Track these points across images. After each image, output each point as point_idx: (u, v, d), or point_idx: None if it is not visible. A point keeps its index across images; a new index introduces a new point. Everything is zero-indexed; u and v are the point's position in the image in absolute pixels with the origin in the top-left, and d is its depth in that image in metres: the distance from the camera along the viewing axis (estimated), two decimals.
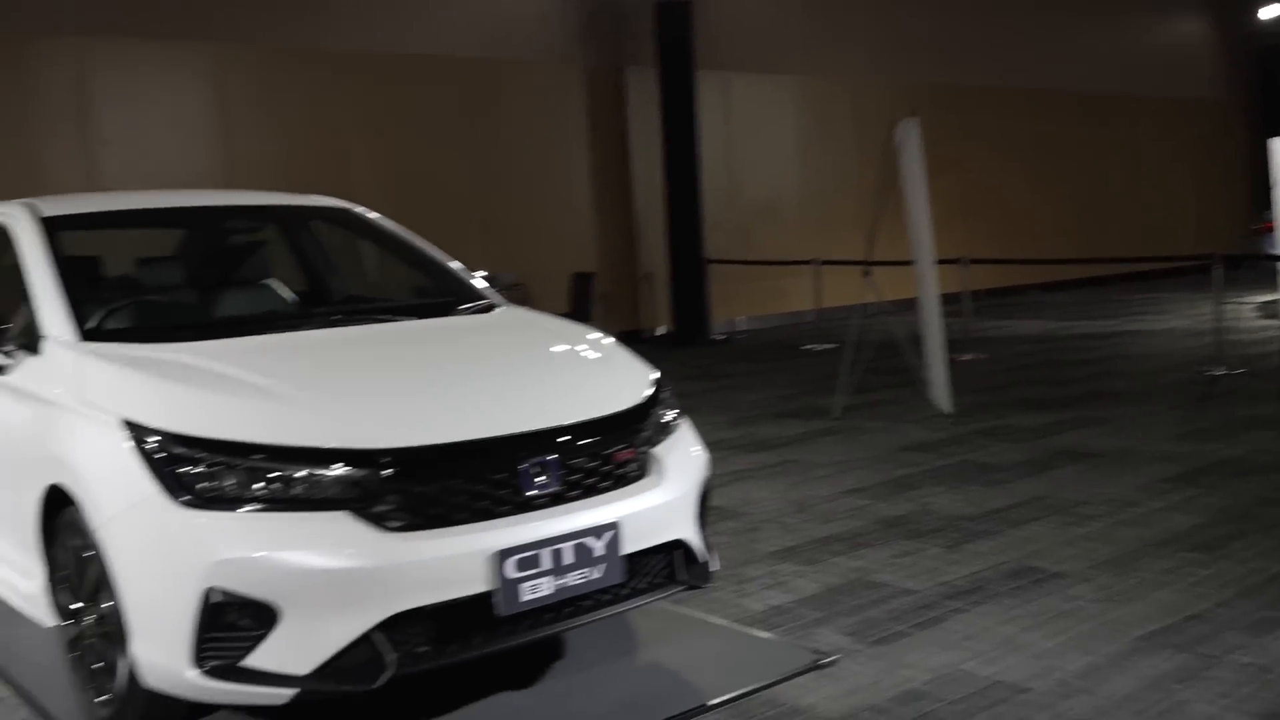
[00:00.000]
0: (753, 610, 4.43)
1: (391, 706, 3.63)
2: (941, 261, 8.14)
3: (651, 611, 4.36)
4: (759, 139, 15.30)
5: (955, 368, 8.48)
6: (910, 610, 4.35)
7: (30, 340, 3.89)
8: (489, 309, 4.56)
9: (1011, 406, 8.55)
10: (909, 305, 9.62)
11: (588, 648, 4.08)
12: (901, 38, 16.82)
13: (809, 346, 12.87)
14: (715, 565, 3.89)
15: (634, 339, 12.92)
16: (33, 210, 4.34)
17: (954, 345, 8.98)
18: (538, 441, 3.39)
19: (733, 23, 14.72)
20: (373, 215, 5.07)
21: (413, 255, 4.94)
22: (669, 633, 4.23)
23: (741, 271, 14.66)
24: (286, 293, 5.12)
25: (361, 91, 11.77)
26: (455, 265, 4.89)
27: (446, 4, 12.41)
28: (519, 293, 5.34)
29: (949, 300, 8.85)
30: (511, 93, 12.97)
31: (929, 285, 7.90)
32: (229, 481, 3.11)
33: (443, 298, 4.67)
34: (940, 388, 8.07)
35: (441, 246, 5.07)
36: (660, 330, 14.35)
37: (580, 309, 11.97)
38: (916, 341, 8.69)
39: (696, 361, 12.30)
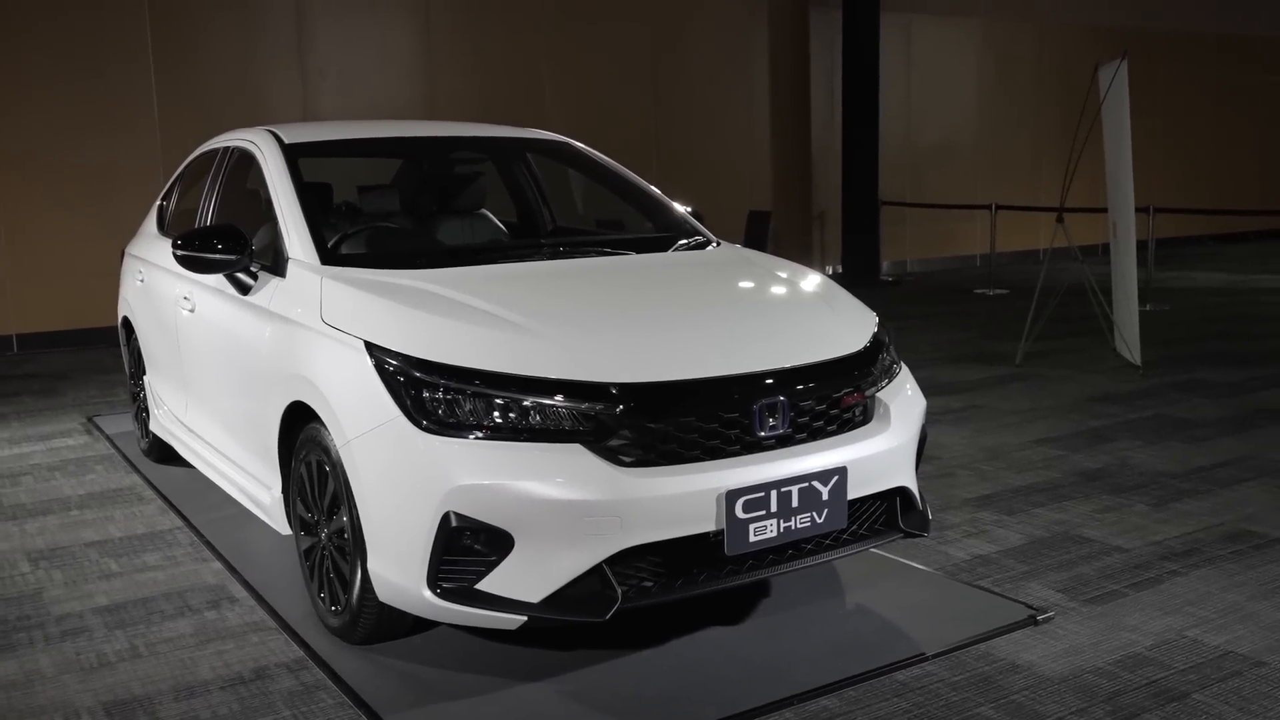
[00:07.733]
0: (956, 558, 4.38)
1: (603, 637, 3.68)
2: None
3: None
4: (937, 81, 14.93)
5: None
6: (1123, 569, 4.24)
7: (275, 262, 4.03)
8: (705, 245, 4.55)
9: (1201, 360, 8.24)
10: (1091, 252, 9.28)
11: (792, 585, 4.07)
12: None
13: (980, 291, 12.60)
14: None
15: None
16: (277, 138, 4.47)
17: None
18: (770, 382, 3.36)
19: None
20: (590, 151, 5.08)
21: (630, 190, 4.92)
22: (873, 576, 4.19)
23: (910, 214, 14.44)
24: (498, 223, 5.24)
25: (553, 28, 11.83)
26: (674, 204, 4.88)
27: None
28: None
29: None
30: (698, 31, 12.89)
31: (1128, 232, 7.59)
32: (468, 408, 3.14)
33: (660, 233, 4.67)
34: (1131, 338, 7.80)
35: None
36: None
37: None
38: (1101, 291, 8.41)
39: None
